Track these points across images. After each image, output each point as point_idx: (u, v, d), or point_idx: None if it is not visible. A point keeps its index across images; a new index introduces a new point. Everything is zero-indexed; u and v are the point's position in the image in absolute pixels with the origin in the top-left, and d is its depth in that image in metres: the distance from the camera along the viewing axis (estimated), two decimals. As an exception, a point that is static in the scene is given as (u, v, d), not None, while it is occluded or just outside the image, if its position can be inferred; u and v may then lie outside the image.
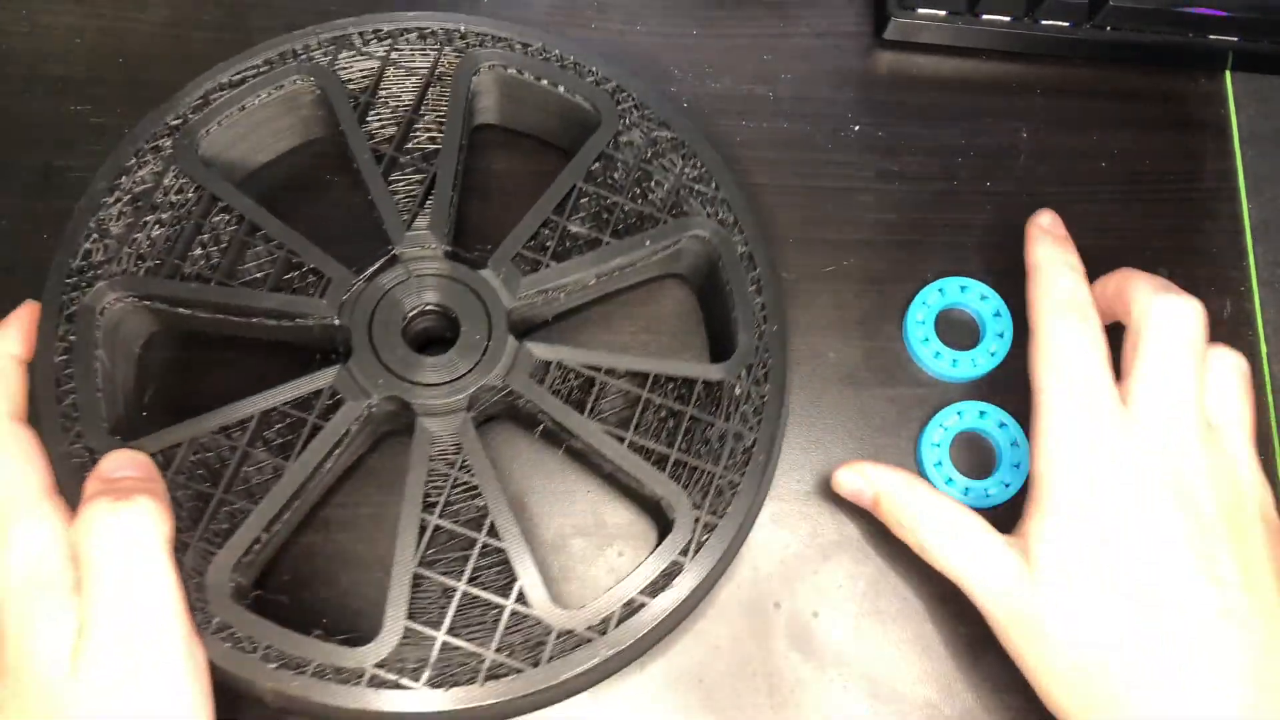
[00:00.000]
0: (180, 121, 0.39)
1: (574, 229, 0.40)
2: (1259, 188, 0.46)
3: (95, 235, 0.37)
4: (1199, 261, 0.45)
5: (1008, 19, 0.46)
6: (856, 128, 0.46)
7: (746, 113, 0.46)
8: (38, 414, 0.35)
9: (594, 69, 0.42)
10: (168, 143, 0.39)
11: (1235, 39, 0.46)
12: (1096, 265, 0.44)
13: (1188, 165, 0.46)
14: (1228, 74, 0.48)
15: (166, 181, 0.38)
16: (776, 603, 0.39)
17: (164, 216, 0.38)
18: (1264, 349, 0.44)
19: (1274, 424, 0.43)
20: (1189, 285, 0.44)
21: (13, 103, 0.44)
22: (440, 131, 0.41)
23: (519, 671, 0.33)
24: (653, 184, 0.41)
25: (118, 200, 0.38)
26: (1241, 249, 0.45)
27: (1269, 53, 0.47)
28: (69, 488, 0.33)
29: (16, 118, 0.44)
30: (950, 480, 0.40)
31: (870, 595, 0.39)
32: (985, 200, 0.45)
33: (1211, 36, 0.46)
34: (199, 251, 0.39)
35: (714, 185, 0.40)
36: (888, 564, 0.40)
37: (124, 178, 0.38)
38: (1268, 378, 0.43)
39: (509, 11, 0.47)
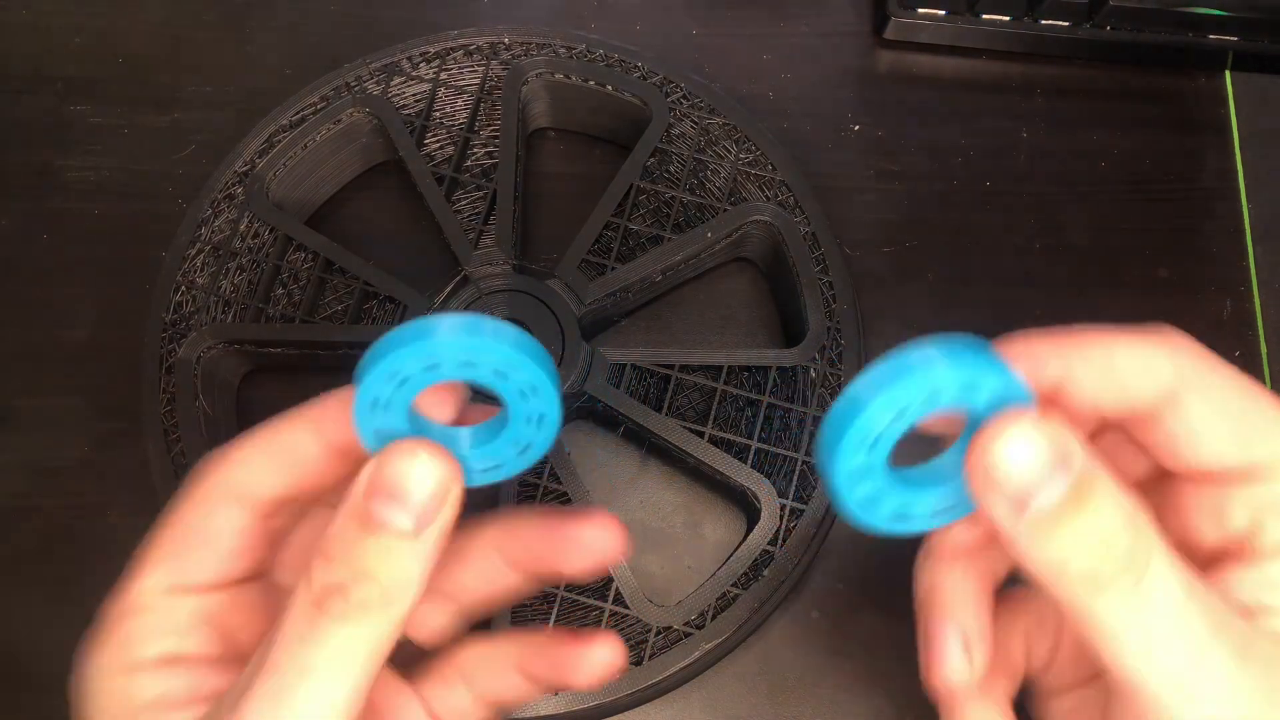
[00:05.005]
0: (249, 168, 0.40)
1: (635, 228, 0.40)
2: (1259, 188, 0.46)
3: (183, 287, 0.39)
4: (1199, 261, 0.45)
5: (1008, 19, 0.46)
6: (856, 128, 0.46)
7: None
8: (150, 463, 0.37)
9: (639, 64, 0.42)
10: (239, 190, 0.40)
11: (1235, 39, 0.46)
12: (1097, 265, 0.44)
13: (1188, 165, 0.46)
14: (1228, 74, 0.48)
15: (242, 228, 0.40)
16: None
17: (244, 262, 0.40)
18: (1264, 349, 0.44)
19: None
20: (1189, 285, 0.44)
21: (13, 102, 0.44)
22: (496, 145, 0.42)
23: (624, 670, 0.34)
24: (708, 174, 0.41)
25: (200, 251, 0.39)
26: (1241, 249, 0.45)
27: (1269, 53, 0.47)
28: None
29: (16, 118, 0.44)
30: None
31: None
32: (985, 200, 0.45)
33: (1211, 36, 0.46)
34: (280, 291, 0.40)
35: (771, 168, 0.41)
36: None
37: (202, 229, 0.40)
38: (1268, 378, 0.43)
39: (510, 13, 0.47)
